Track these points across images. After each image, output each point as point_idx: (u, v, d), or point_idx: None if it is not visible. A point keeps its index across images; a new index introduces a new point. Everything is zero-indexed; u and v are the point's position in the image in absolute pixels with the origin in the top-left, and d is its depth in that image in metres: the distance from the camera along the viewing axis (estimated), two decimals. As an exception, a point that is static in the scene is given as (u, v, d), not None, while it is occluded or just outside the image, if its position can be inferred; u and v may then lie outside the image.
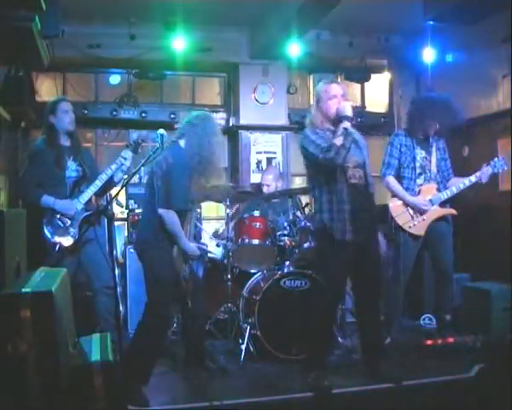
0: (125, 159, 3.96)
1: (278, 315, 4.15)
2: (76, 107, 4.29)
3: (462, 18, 4.81)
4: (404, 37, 5.99)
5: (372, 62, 6.25)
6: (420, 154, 4.49)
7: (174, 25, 5.30)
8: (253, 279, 4.46)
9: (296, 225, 4.49)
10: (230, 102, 6.38)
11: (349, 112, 3.52)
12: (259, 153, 6.18)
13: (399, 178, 4.49)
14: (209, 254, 4.65)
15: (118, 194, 3.66)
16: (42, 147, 4.02)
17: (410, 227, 4.43)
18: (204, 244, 4.64)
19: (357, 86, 6.66)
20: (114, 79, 6.20)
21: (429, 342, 4.31)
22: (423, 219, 4.44)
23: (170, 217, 3.41)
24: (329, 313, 3.73)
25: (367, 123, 6.29)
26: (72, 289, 3.03)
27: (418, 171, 4.47)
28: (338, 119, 3.53)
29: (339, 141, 3.47)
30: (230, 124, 6.25)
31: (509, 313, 4.41)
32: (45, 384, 2.32)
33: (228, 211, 4.53)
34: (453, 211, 4.54)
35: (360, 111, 6.45)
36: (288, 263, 4.36)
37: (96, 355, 2.62)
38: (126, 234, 5.25)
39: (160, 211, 3.41)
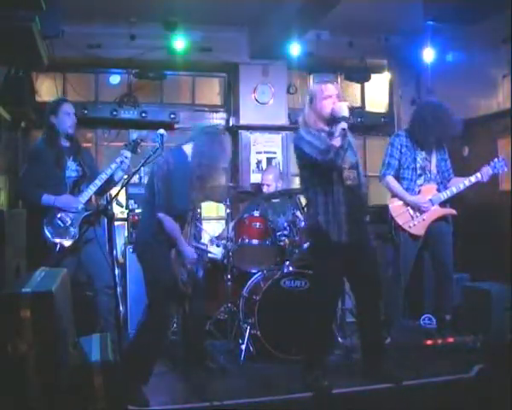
0: (125, 157, 3.97)
1: (278, 315, 4.15)
2: (76, 107, 4.28)
3: (462, 18, 4.80)
4: (404, 37, 5.97)
5: (372, 62, 6.24)
6: (420, 154, 4.48)
7: (174, 25, 5.31)
8: (252, 279, 4.46)
9: (296, 225, 4.48)
10: (230, 102, 6.38)
11: (346, 112, 3.48)
12: (259, 153, 6.19)
13: (399, 179, 4.48)
14: (209, 255, 4.65)
15: (118, 194, 3.65)
16: (42, 147, 4.02)
17: (409, 227, 4.43)
18: (204, 244, 4.63)
19: (357, 86, 6.65)
20: (114, 79, 6.19)
21: (429, 342, 4.31)
22: (423, 219, 4.44)
23: (168, 222, 3.42)
24: (328, 314, 3.72)
25: (367, 123, 6.30)
26: (72, 289, 3.03)
27: (418, 172, 4.46)
28: (335, 119, 3.49)
29: (337, 142, 3.44)
30: (230, 124, 6.25)
31: (509, 313, 4.41)
32: (45, 384, 2.31)
33: (228, 211, 4.53)
34: (453, 211, 4.54)
35: (360, 111, 6.45)
36: (287, 263, 4.36)
37: (96, 355, 2.62)
38: (126, 234, 5.24)
39: (160, 215, 3.41)
